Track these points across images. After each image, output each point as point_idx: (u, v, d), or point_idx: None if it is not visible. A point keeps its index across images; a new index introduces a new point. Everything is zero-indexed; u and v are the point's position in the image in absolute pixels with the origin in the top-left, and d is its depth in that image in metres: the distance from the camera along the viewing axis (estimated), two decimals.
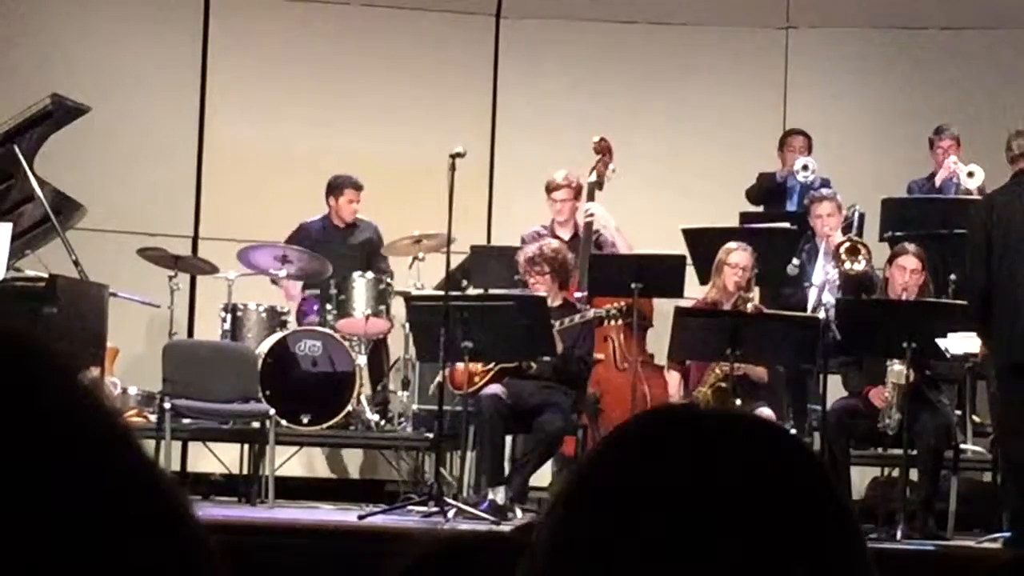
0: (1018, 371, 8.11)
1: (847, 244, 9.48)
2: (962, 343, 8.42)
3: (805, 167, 10.60)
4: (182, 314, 11.03)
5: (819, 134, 11.21)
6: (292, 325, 10.39)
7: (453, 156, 8.91)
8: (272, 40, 11.98)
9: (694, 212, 10.49)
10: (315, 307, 10.47)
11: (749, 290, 9.27)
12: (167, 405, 9.28)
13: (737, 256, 9.23)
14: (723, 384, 9.00)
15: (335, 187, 10.75)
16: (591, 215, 9.98)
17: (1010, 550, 7.79)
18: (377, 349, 10.58)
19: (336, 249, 10.56)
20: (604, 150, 10.18)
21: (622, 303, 9.09)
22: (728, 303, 9.22)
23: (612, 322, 9.31)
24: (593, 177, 10.11)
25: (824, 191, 10.15)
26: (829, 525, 1.14)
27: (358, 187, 10.75)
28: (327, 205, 10.81)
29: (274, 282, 10.65)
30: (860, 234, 10.13)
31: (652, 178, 11.69)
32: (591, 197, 10.07)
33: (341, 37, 12.06)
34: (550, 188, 9.99)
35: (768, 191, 10.89)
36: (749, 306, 9.18)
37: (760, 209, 10.83)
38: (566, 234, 9.97)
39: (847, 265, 9.41)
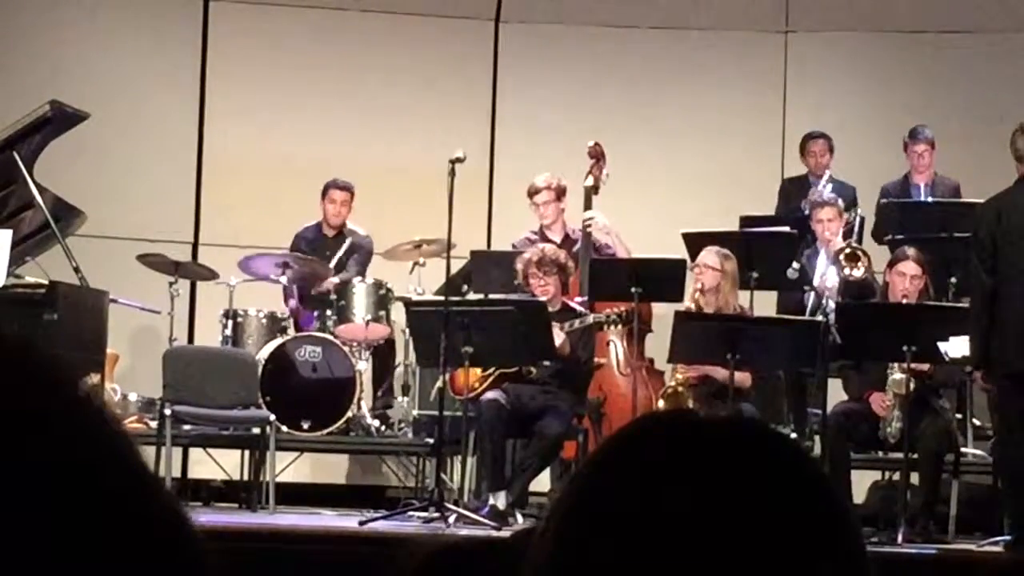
0: (1021, 377, 8.09)
1: (847, 250, 9.49)
2: (962, 347, 8.40)
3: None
4: (182, 320, 11.02)
5: None
6: (292, 331, 10.39)
7: (453, 161, 8.91)
8: (271, 46, 11.99)
9: (694, 216, 10.49)
10: (314, 313, 10.46)
11: (719, 294, 9.24)
12: (167, 411, 9.28)
13: (700, 256, 9.27)
14: (678, 389, 9.05)
15: (323, 190, 10.78)
16: (591, 220, 9.99)
17: (1010, 554, 7.79)
18: (383, 354, 10.56)
19: (321, 256, 10.56)
20: (598, 155, 10.19)
21: (622, 308, 9.10)
22: (710, 306, 9.22)
23: (612, 327, 9.32)
24: (589, 181, 10.13)
25: (826, 196, 10.17)
26: (828, 528, 1.14)
27: (342, 187, 10.73)
28: (321, 212, 10.83)
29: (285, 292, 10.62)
30: (860, 238, 10.14)
31: (652, 182, 11.70)
32: (588, 202, 10.09)
33: (340, 43, 12.07)
34: (532, 192, 10.04)
35: (797, 195, 10.83)
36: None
37: (760, 213, 10.81)
38: (556, 236, 10.00)
39: (846, 271, 9.43)
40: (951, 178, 10.73)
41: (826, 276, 9.59)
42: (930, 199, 10.49)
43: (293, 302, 10.52)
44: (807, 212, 10.26)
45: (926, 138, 10.61)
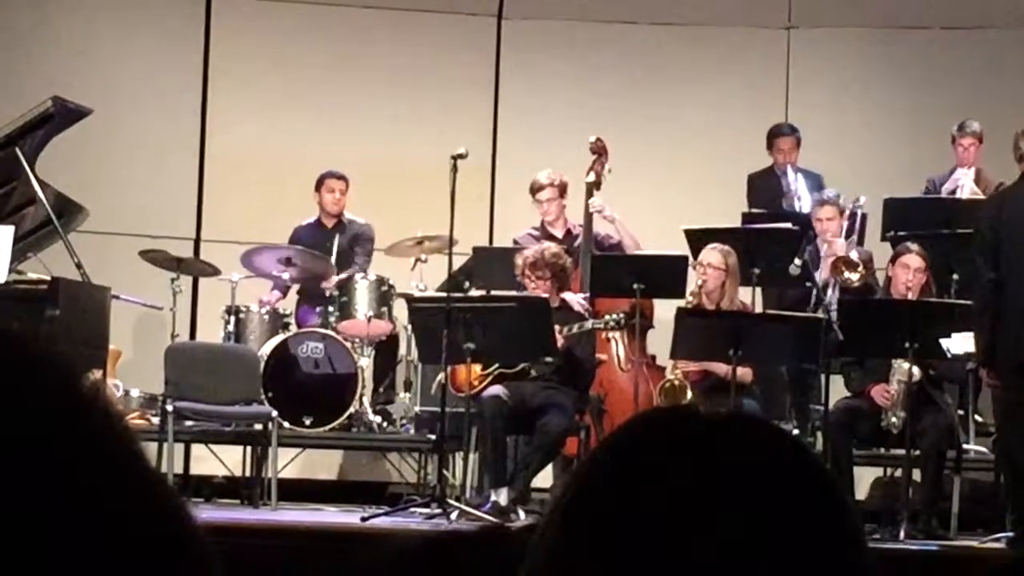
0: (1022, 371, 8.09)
1: (846, 258, 9.51)
2: (964, 343, 8.41)
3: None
4: (184, 316, 11.02)
5: (820, 134, 11.21)
6: (294, 327, 10.39)
7: (455, 157, 8.91)
8: (273, 42, 11.99)
9: (696, 212, 10.48)
10: (316, 309, 10.47)
11: (724, 293, 9.24)
12: (169, 407, 9.28)
13: (703, 255, 9.27)
14: (675, 383, 9.07)
15: (317, 182, 10.82)
16: (599, 208, 9.98)
17: (1013, 550, 7.78)
18: (385, 350, 10.56)
19: (323, 248, 10.57)
20: (600, 150, 10.18)
21: (621, 314, 9.10)
22: (710, 303, 9.23)
23: (610, 338, 9.38)
24: (591, 177, 10.12)
25: (827, 194, 10.15)
26: (830, 523, 1.14)
27: (338, 176, 10.79)
28: (316, 204, 10.85)
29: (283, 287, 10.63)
30: (862, 232, 10.13)
31: (654, 178, 11.70)
32: (589, 197, 10.08)
33: (343, 39, 12.07)
34: (534, 189, 10.04)
35: (769, 190, 10.86)
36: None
37: (764, 210, 10.80)
38: (558, 232, 10.01)
39: (845, 275, 9.45)
40: (992, 176, 10.62)
41: (827, 278, 9.63)
42: (971, 193, 10.39)
43: (277, 293, 10.54)
44: (799, 209, 10.28)
45: (973, 131, 10.52)
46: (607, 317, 9.09)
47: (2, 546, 0.92)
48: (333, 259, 10.51)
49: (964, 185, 10.40)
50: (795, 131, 10.99)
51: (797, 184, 10.65)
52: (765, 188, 10.86)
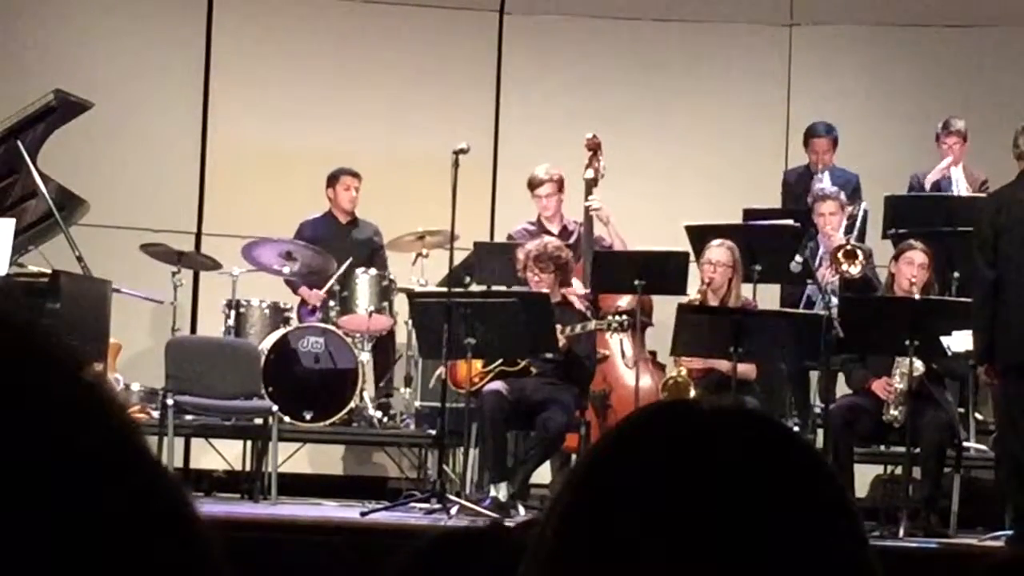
0: (1022, 370, 8.09)
1: (845, 248, 9.49)
2: (964, 341, 8.41)
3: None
4: (185, 310, 11.02)
5: None
6: (295, 322, 10.39)
7: (457, 152, 8.91)
8: (275, 36, 11.98)
9: (698, 209, 10.48)
10: (317, 303, 10.46)
11: (731, 289, 9.24)
12: (170, 401, 9.28)
13: (711, 252, 9.27)
14: (678, 380, 9.07)
15: (332, 178, 10.81)
16: (598, 208, 9.98)
17: (1011, 547, 7.78)
18: (385, 345, 10.56)
19: (338, 244, 10.56)
20: (595, 147, 10.17)
21: (623, 315, 9.10)
22: (715, 299, 9.22)
23: (613, 334, 9.37)
24: (590, 174, 10.11)
25: (828, 189, 10.15)
26: (830, 520, 1.14)
27: (354, 174, 10.79)
28: (327, 199, 10.84)
29: (288, 283, 10.61)
30: (864, 230, 10.12)
31: (656, 175, 11.69)
32: (588, 194, 10.08)
33: (344, 33, 12.06)
34: (533, 184, 10.03)
35: (802, 189, 10.78)
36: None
37: (764, 206, 10.78)
38: (555, 228, 10.00)
39: (844, 267, 9.43)
40: (978, 172, 10.60)
41: (822, 272, 9.62)
42: (965, 192, 10.37)
43: (317, 291, 10.50)
44: (811, 204, 10.26)
45: (957, 130, 10.51)
46: (609, 318, 9.09)
47: (2, 540, 0.92)
48: (351, 254, 10.47)
49: (958, 180, 10.41)
50: (831, 131, 10.83)
51: (824, 185, 10.59)
52: (798, 187, 10.81)
